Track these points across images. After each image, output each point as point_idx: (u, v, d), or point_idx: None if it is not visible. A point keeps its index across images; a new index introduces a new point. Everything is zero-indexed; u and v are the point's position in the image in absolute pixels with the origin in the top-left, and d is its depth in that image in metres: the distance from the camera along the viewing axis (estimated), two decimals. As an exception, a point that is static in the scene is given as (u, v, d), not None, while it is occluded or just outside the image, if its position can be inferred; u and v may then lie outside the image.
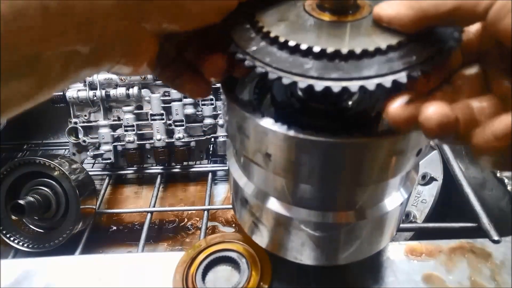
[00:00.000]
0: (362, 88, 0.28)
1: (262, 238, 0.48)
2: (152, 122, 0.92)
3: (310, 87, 0.29)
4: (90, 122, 0.94)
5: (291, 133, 0.34)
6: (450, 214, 0.82)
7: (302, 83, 0.29)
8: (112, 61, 0.32)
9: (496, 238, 0.62)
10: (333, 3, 0.34)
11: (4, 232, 0.76)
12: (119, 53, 0.32)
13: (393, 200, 0.43)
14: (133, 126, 0.93)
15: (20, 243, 0.77)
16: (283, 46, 0.31)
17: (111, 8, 0.28)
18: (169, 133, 0.94)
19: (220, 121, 0.95)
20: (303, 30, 0.32)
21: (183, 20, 0.32)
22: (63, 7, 0.26)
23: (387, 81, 0.28)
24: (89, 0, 0.27)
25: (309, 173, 0.36)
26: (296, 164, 0.36)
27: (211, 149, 1.05)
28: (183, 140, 0.94)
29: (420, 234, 0.77)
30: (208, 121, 0.95)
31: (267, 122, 0.35)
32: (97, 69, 0.32)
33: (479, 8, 0.27)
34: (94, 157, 0.95)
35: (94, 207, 0.81)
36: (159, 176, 0.95)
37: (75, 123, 0.93)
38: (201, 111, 0.94)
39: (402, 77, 0.29)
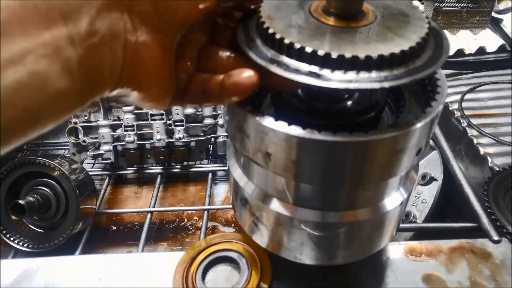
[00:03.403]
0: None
1: (262, 238, 0.48)
2: (152, 122, 0.92)
3: None
4: (90, 122, 0.94)
5: (292, 132, 0.34)
6: (450, 214, 0.83)
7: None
8: (113, 72, 0.31)
9: (496, 238, 0.62)
10: (338, 8, 0.34)
11: (4, 232, 0.76)
12: (119, 52, 0.30)
13: (393, 199, 0.43)
14: (133, 126, 0.93)
15: (20, 243, 0.77)
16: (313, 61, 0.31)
17: None
18: (169, 133, 0.94)
19: (220, 121, 0.95)
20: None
21: (169, 10, 0.31)
22: None
23: None
24: None
25: (309, 172, 0.36)
26: (296, 163, 0.36)
27: (211, 149, 1.05)
28: (183, 140, 0.94)
29: (420, 234, 0.77)
30: (208, 121, 0.95)
31: (268, 121, 0.35)
32: (100, 85, 0.30)
33: None
34: (94, 157, 0.95)
35: (94, 207, 0.81)
36: (159, 176, 0.95)
37: (75, 123, 0.93)
38: (201, 111, 0.94)
39: None
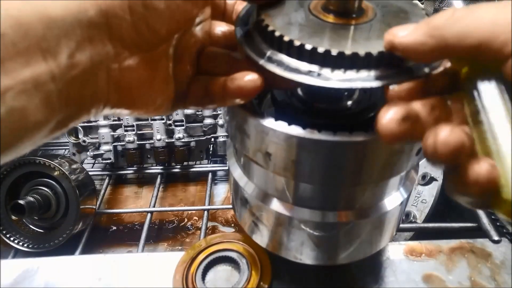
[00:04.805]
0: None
1: (262, 238, 0.48)
2: (152, 122, 0.92)
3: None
4: (90, 122, 0.94)
5: (292, 131, 0.34)
6: (450, 214, 0.82)
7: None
8: (95, 99, 0.30)
9: (496, 238, 0.62)
10: (338, 5, 0.34)
11: (4, 232, 0.76)
12: (102, 81, 0.30)
13: (392, 199, 0.43)
14: (133, 126, 0.93)
15: (20, 243, 0.77)
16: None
17: (69, 24, 0.26)
18: (169, 133, 0.94)
19: (220, 121, 0.95)
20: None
21: (151, 30, 0.30)
22: (19, 30, 0.24)
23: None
24: (45, 18, 0.25)
25: (309, 172, 0.36)
26: (296, 163, 0.36)
27: (211, 149, 1.05)
28: (183, 140, 0.94)
29: (420, 234, 0.77)
30: (208, 121, 0.95)
31: (268, 121, 0.35)
32: (81, 112, 0.29)
33: (507, 49, 0.24)
34: (94, 157, 0.95)
35: (94, 207, 0.81)
36: (159, 176, 0.95)
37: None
38: (201, 111, 0.94)
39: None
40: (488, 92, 0.26)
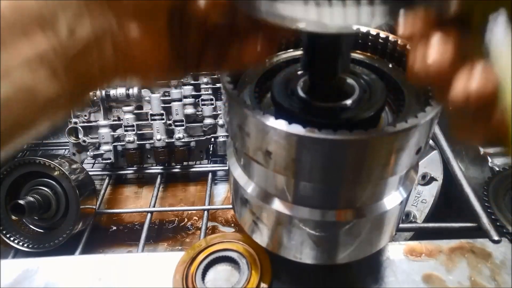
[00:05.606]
0: None
1: (262, 237, 0.48)
2: (152, 122, 0.92)
3: None
4: (90, 122, 0.94)
5: (292, 130, 0.34)
6: (450, 214, 0.82)
7: None
8: (104, 71, 0.30)
9: (496, 238, 0.62)
10: None
11: (4, 232, 0.76)
12: (109, 53, 0.30)
13: (392, 199, 0.43)
14: (133, 126, 0.93)
15: (20, 243, 0.77)
16: None
17: None
18: (169, 133, 0.94)
19: (220, 121, 0.95)
20: None
21: None
22: (15, 10, 0.25)
23: None
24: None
25: (309, 171, 0.36)
26: (296, 161, 0.36)
27: (211, 149, 1.05)
28: (183, 140, 0.94)
29: (420, 234, 0.77)
30: (208, 121, 0.95)
31: (268, 120, 0.35)
32: (92, 84, 0.30)
33: None
34: (94, 157, 0.95)
35: (94, 207, 0.81)
36: (159, 176, 0.95)
37: (75, 123, 0.93)
38: (201, 111, 0.94)
39: None
40: (496, 27, 0.27)
